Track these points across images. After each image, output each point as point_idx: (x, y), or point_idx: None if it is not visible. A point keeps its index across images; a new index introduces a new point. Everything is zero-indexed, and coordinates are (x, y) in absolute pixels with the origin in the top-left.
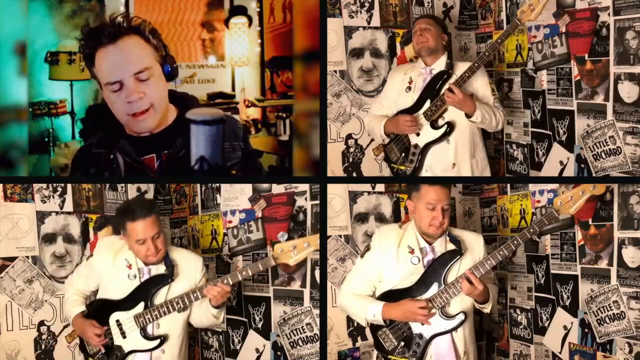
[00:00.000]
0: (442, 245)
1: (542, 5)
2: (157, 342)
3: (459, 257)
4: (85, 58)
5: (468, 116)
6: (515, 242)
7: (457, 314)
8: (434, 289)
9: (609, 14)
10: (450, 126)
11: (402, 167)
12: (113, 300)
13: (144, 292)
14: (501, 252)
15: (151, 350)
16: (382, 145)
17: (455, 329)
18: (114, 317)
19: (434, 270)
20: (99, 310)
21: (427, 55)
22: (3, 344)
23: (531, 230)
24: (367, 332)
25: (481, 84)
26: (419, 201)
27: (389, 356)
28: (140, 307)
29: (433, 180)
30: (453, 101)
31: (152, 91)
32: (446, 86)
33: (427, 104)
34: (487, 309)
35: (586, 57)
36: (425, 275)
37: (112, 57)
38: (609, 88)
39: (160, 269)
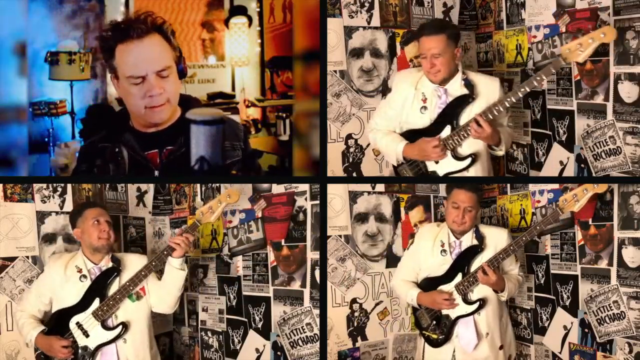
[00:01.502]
0: (468, 241)
1: (592, 48)
2: (118, 329)
3: (479, 251)
4: (105, 50)
5: (491, 148)
6: (524, 239)
7: (476, 301)
8: (458, 278)
9: (609, 14)
10: (476, 158)
11: None
12: (69, 307)
13: (97, 288)
14: (511, 248)
15: (114, 340)
16: (393, 167)
17: (475, 312)
18: (73, 321)
19: (460, 262)
20: (57, 321)
21: (440, 82)
22: (3, 344)
23: (537, 227)
24: (367, 332)
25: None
26: (449, 201)
27: (424, 331)
28: (96, 303)
29: (434, 180)
30: (480, 136)
31: (170, 87)
32: (468, 110)
33: (447, 130)
34: (503, 297)
35: None
36: (453, 266)
37: (137, 53)
38: (609, 88)
39: (109, 265)
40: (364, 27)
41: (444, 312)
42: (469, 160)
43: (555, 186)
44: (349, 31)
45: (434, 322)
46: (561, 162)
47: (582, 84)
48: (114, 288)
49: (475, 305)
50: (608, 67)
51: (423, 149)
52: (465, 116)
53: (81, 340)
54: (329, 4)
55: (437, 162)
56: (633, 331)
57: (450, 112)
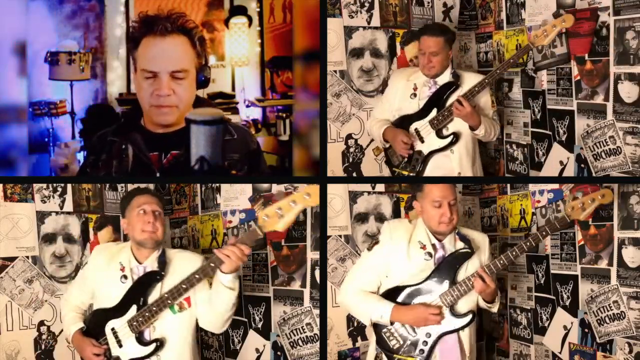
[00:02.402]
0: (451, 243)
1: (555, 32)
2: (152, 347)
3: (470, 257)
4: (131, 40)
5: (472, 129)
6: (528, 244)
7: (466, 313)
8: (444, 286)
9: (609, 14)
10: (456, 136)
11: (405, 172)
12: (108, 308)
13: (136, 293)
14: (513, 253)
15: (147, 357)
16: (384, 148)
17: (463, 327)
18: (109, 325)
19: (445, 267)
20: (95, 322)
21: (432, 77)
22: (3, 344)
23: (543, 232)
24: (367, 332)
25: (483, 96)
26: (425, 200)
27: (394, 355)
28: (133, 310)
29: (433, 180)
30: (461, 114)
31: (181, 92)
32: (454, 96)
33: (434, 113)
34: (494, 308)
35: (586, 57)
36: (436, 272)
37: (157, 49)
38: (609, 88)
39: (154, 266)
40: (364, 27)
41: (423, 329)
42: (449, 138)
43: (555, 186)
44: (349, 31)
45: (409, 342)
46: (561, 162)
47: (582, 84)
48: (154, 294)
49: (466, 319)
50: (608, 67)
51: (395, 139)
52: (451, 101)
53: (114, 350)
54: (329, 4)
55: (422, 142)
56: (633, 331)
57: (437, 97)
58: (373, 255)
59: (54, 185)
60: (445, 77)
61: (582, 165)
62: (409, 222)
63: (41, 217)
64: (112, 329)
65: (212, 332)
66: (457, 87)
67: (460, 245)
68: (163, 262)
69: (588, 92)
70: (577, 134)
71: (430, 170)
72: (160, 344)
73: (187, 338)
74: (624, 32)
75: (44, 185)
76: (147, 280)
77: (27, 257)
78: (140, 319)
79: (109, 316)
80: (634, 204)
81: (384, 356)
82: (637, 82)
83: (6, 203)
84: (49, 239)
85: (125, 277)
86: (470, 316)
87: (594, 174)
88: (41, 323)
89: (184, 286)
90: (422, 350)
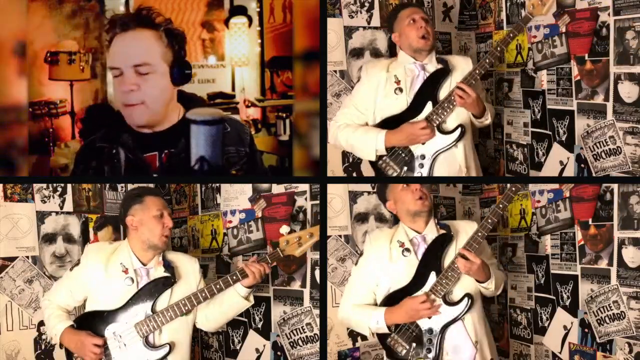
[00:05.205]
0: (432, 232)
1: (552, 1)
2: (164, 350)
3: (450, 240)
4: (109, 43)
5: (476, 117)
6: (501, 206)
7: (461, 299)
8: (432, 278)
9: (609, 14)
10: (463, 129)
11: None
12: (107, 310)
13: (145, 297)
14: (489, 221)
15: None
16: (372, 163)
17: (463, 315)
18: (110, 329)
19: (429, 259)
20: (89, 324)
21: (428, 52)
22: (3, 344)
23: (513, 188)
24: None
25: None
26: (395, 189)
27: None
28: (141, 314)
29: (433, 180)
30: (465, 102)
31: (147, 87)
32: (446, 85)
33: (429, 107)
34: (490, 287)
35: (586, 57)
36: (421, 266)
37: (120, 45)
38: (609, 88)
39: (159, 270)
40: (364, 27)
41: (424, 326)
42: (457, 133)
43: (555, 186)
44: (349, 31)
45: (414, 345)
46: (561, 162)
47: (582, 84)
48: (163, 301)
49: (462, 306)
50: (608, 67)
51: (410, 132)
52: (445, 90)
53: (116, 353)
54: (329, 4)
55: (423, 143)
56: (633, 331)
57: (430, 89)
58: (360, 268)
59: (54, 185)
60: (432, 63)
61: (582, 165)
62: (389, 228)
63: (41, 217)
64: (114, 333)
65: (207, 330)
66: (449, 74)
67: (442, 232)
68: (169, 266)
69: (588, 92)
70: (577, 134)
71: (437, 174)
72: (171, 347)
73: (189, 339)
74: (624, 32)
75: (44, 185)
76: (158, 285)
77: (27, 257)
78: (152, 324)
79: (110, 319)
80: (634, 204)
81: None
82: (637, 82)
83: (6, 203)
84: (49, 239)
85: (131, 279)
86: (465, 301)
87: (594, 174)
88: (41, 323)
89: (203, 294)
90: (429, 349)
